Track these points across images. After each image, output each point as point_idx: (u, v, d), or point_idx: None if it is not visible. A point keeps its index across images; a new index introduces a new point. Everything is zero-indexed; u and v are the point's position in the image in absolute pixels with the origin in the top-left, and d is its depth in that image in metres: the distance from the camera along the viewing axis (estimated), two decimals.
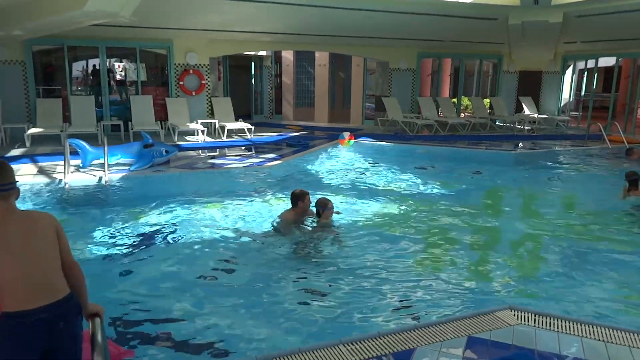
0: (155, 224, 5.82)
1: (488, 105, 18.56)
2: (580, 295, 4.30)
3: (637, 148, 11.20)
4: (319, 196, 6.72)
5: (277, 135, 13.53)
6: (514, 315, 3.44)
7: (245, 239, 5.49)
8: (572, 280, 4.62)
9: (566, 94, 18.37)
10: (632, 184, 7.03)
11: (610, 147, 12.05)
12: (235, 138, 12.70)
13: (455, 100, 18.58)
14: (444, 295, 4.20)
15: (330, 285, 4.36)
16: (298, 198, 5.70)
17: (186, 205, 6.65)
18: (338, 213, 6.18)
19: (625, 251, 5.32)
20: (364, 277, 4.54)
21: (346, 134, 12.01)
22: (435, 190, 8.13)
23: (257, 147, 11.34)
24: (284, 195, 7.24)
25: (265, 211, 6.52)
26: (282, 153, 10.52)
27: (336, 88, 18.96)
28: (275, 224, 5.69)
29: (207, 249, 5.16)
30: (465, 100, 21.03)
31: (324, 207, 5.72)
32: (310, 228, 5.62)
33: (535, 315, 3.44)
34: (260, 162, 9.36)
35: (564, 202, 7.68)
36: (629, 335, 3.19)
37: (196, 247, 5.19)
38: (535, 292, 4.37)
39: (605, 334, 3.19)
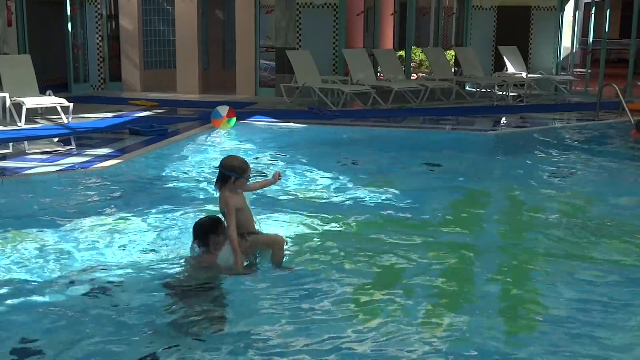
0: None
1: (452, 61, 19.29)
2: (606, 350, 4.56)
3: None
4: (190, 217, 6.71)
5: (115, 117, 13.39)
6: None
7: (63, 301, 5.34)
8: (590, 328, 4.88)
9: (567, 41, 19.50)
10: None
11: (633, 120, 12.90)
12: (42, 124, 12.39)
13: (402, 53, 19.14)
14: None
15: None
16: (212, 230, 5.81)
17: None
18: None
19: None
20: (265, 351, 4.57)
21: (223, 110, 12.09)
22: (372, 198, 8.29)
23: (81, 138, 11.14)
24: (132, 216, 7.19)
25: (107, 247, 6.41)
26: (123, 146, 10.48)
27: (211, 37, 18.86)
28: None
29: None
30: (418, 54, 21.72)
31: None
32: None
33: None
34: (86, 162, 9.30)
35: (573, 211, 8.07)
36: None
37: None
38: (534, 351, 4.55)
39: None
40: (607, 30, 18.25)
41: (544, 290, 5.56)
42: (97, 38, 17.38)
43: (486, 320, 4.97)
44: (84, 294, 5.35)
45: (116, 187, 8.53)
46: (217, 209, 6.02)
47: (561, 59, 19.03)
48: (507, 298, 5.50)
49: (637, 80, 15.95)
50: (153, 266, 5.86)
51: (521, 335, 4.80)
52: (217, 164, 9.88)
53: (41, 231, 6.72)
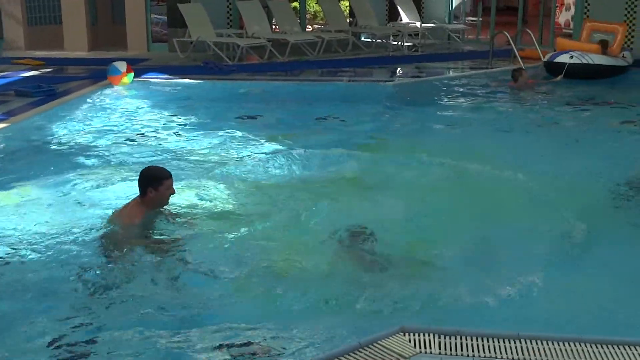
0: None
1: (347, 12, 19.34)
2: (501, 296, 4.73)
3: (526, 70, 12.64)
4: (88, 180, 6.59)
5: None
6: (409, 340, 3.54)
7: None
8: (487, 276, 5.06)
9: None
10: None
11: (524, 66, 13.37)
12: None
13: (296, 4, 19.05)
14: (279, 327, 4.36)
15: None
16: (151, 181, 5.59)
17: None
18: None
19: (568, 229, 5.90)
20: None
21: (121, 66, 11.94)
22: (270, 154, 8.33)
23: None
24: (23, 182, 6.97)
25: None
26: (9, 109, 10.22)
27: None
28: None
29: None
30: (312, 5, 21.67)
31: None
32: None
33: (440, 337, 3.56)
34: None
35: (473, 162, 8.28)
36: (573, 346, 3.42)
37: None
38: (435, 298, 4.72)
39: (540, 349, 3.40)
40: None
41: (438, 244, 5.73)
42: None
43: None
44: None
45: (2, 153, 8.29)
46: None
47: (453, 7, 19.40)
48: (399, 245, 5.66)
49: (526, 28, 16.49)
50: (49, 235, 5.68)
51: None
52: (114, 126, 9.76)
53: None
